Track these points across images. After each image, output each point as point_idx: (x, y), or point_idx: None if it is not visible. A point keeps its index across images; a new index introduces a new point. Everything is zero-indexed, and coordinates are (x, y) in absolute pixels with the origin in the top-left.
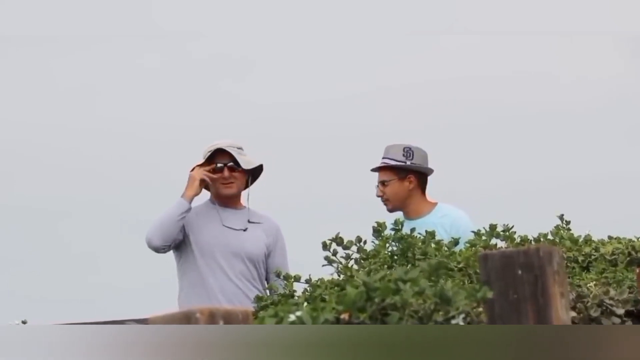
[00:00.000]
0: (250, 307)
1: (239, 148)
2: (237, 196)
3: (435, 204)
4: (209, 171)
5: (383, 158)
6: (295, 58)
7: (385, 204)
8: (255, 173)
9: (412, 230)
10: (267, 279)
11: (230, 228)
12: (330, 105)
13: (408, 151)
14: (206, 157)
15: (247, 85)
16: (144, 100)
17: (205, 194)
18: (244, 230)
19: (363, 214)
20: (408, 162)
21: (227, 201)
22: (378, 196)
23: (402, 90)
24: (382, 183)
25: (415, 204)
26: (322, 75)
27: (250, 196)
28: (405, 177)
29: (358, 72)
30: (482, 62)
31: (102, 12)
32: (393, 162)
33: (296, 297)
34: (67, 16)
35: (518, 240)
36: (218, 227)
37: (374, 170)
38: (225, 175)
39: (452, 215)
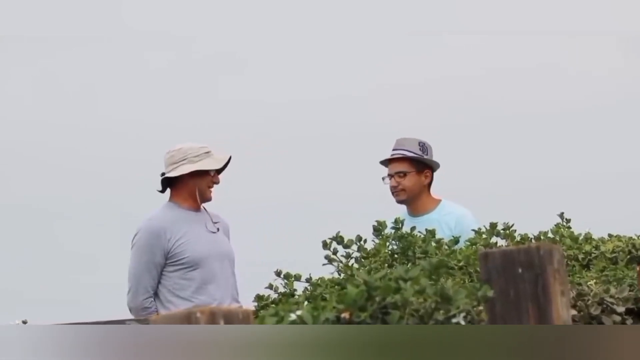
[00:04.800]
0: (251, 306)
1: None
2: None
3: (440, 201)
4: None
5: (396, 150)
6: (295, 58)
7: (397, 195)
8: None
9: (412, 229)
10: None
11: (214, 233)
12: (330, 104)
13: (423, 146)
14: (223, 165)
15: (246, 86)
16: (143, 100)
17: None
18: (216, 232)
19: (362, 213)
20: (425, 157)
21: (199, 204)
22: (392, 186)
23: (402, 90)
24: (399, 174)
25: (423, 200)
26: (321, 75)
27: (249, 195)
28: (423, 171)
29: (358, 72)
30: (482, 61)
31: (101, 12)
32: (411, 154)
33: (297, 296)
34: (67, 16)
35: (518, 238)
36: (205, 233)
37: (384, 162)
38: (217, 180)
39: (456, 212)
